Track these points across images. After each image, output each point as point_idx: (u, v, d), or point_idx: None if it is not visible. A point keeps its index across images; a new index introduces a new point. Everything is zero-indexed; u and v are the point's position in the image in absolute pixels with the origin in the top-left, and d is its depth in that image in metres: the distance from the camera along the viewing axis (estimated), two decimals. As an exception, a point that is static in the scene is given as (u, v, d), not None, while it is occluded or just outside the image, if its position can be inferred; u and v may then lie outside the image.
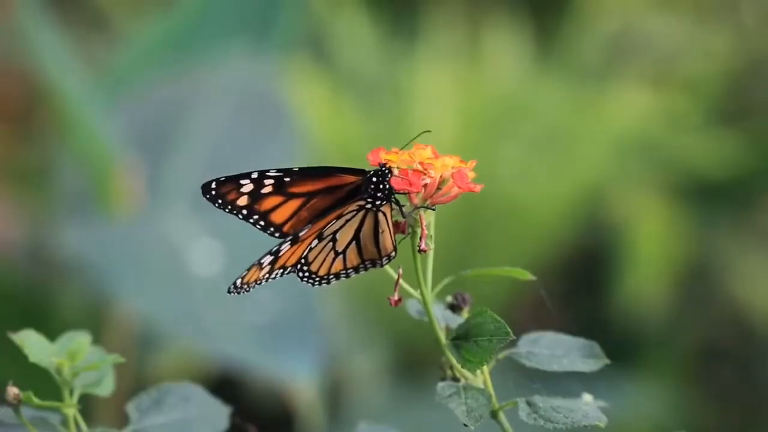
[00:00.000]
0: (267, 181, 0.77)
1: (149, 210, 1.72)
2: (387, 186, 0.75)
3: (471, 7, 2.41)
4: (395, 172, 0.75)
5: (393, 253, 0.76)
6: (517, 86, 2.23)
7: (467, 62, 2.27)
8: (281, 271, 0.76)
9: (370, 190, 0.76)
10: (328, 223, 0.76)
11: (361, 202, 0.76)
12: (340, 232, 0.76)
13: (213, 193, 0.77)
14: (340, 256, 0.76)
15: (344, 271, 0.77)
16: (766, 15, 2.46)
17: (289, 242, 0.76)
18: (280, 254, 0.76)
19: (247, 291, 0.77)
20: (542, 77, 2.26)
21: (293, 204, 0.77)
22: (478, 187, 0.76)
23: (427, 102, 2.15)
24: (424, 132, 0.81)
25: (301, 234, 0.76)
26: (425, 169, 0.75)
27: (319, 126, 2.10)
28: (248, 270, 0.75)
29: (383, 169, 0.76)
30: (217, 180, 0.77)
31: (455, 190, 0.76)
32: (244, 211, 0.77)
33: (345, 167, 0.77)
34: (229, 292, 0.76)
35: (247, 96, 1.84)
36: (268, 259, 0.76)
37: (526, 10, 2.37)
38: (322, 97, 2.15)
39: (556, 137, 2.19)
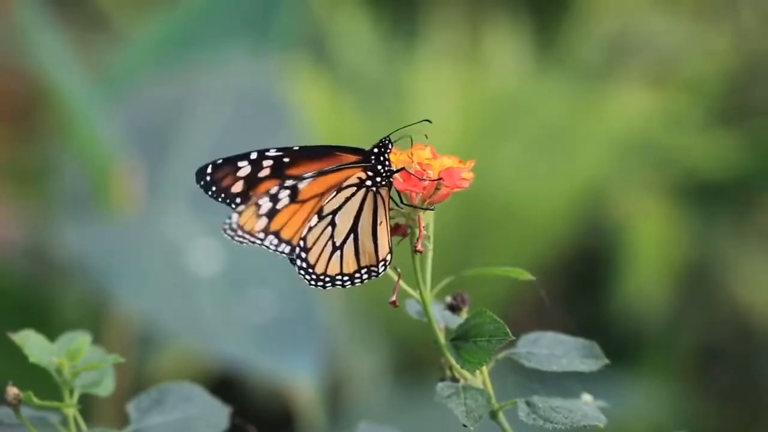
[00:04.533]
0: (266, 162, 0.74)
1: (149, 210, 1.72)
2: (387, 159, 0.74)
3: (471, 7, 2.41)
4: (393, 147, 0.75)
5: (389, 256, 0.75)
6: (517, 86, 2.23)
7: (467, 62, 2.27)
8: (276, 240, 0.74)
9: (371, 160, 0.74)
10: (328, 190, 0.74)
11: (362, 174, 0.74)
12: (339, 213, 0.75)
13: (207, 179, 0.75)
14: (338, 253, 0.75)
15: (340, 276, 0.75)
16: (766, 15, 2.45)
17: (289, 194, 0.74)
18: (278, 207, 0.74)
19: (241, 239, 0.74)
20: (542, 77, 2.26)
21: None
22: (466, 183, 0.75)
23: (427, 102, 2.15)
24: (423, 120, 0.78)
25: (300, 186, 0.74)
26: (424, 170, 0.75)
27: (319, 126, 2.10)
28: (247, 208, 0.73)
29: (383, 140, 0.74)
30: (214, 163, 0.75)
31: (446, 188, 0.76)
32: (238, 200, 0.75)
33: (344, 146, 0.75)
34: (224, 231, 0.74)
35: (247, 96, 1.84)
36: (267, 206, 0.73)
37: (526, 10, 2.37)
38: (322, 97, 2.15)
39: (556, 137, 2.18)
